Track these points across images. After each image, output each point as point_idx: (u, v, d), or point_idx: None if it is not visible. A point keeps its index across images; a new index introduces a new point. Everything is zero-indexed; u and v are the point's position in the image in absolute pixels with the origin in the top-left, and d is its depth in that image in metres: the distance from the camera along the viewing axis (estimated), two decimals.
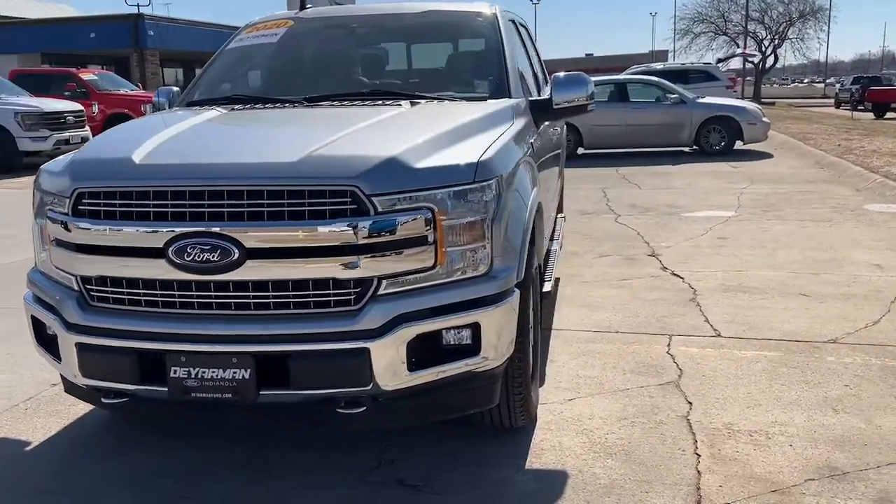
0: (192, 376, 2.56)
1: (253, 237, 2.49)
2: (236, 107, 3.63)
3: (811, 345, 4.19)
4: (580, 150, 14.60)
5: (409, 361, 2.56)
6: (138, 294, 2.64)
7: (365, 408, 2.62)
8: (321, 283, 2.53)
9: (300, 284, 2.53)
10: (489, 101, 3.59)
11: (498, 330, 2.70)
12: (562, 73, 3.91)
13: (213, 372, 2.55)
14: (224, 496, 2.83)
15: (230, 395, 2.56)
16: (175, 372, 2.58)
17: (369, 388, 2.55)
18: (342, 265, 2.50)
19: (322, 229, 2.48)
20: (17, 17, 33.88)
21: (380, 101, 3.53)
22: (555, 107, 3.81)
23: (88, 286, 2.72)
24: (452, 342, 2.68)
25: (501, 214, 2.75)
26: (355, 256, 2.50)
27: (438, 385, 2.71)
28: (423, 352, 2.61)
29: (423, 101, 3.57)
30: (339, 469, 2.98)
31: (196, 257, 2.49)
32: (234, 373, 2.54)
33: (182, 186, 2.54)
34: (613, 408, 3.46)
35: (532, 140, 3.61)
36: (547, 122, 3.97)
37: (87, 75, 18.83)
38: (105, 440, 3.31)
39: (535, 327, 3.36)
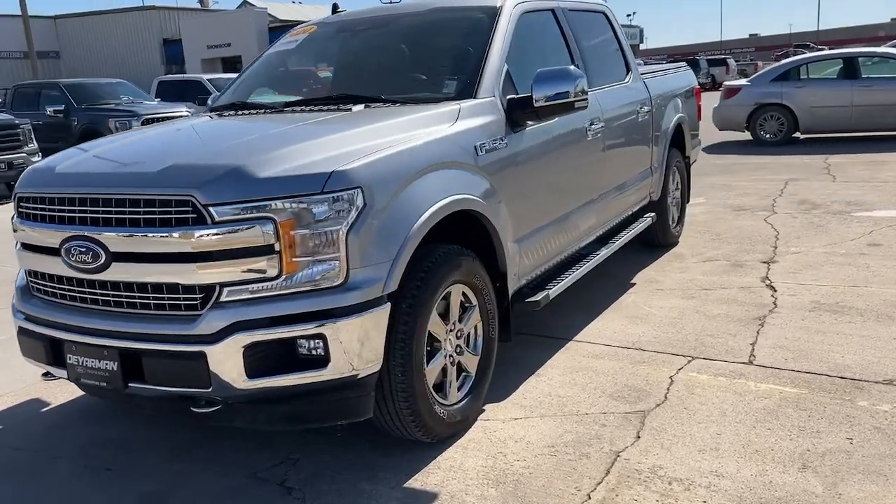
0: (80, 364, 2.87)
1: (115, 241, 2.72)
2: (215, 114, 3.91)
3: (854, 384, 3.48)
4: (797, 135, 13.04)
5: (247, 368, 2.63)
6: (50, 287, 3.01)
7: (218, 408, 2.75)
8: (170, 288, 2.69)
9: (153, 287, 2.72)
10: (440, 103, 3.47)
11: (352, 342, 2.66)
12: (546, 69, 3.63)
13: (92, 362, 2.83)
14: (134, 471, 3.12)
15: (105, 385, 2.83)
16: (70, 358, 2.90)
17: (209, 390, 2.67)
18: (185, 272, 2.64)
19: (165, 236, 2.63)
20: None
21: (334, 107, 3.59)
22: (535, 105, 3.56)
23: (30, 278, 3.15)
24: (303, 352, 2.70)
25: (367, 224, 2.69)
26: (195, 264, 2.62)
27: (291, 393, 2.74)
28: (266, 360, 2.66)
29: (376, 104, 3.57)
30: (243, 461, 3.14)
31: (77, 258, 2.79)
32: (106, 364, 2.80)
33: (71, 193, 2.84)
34: (552, 433, 3.20)
35: (494, 143, 3.41)
36: (532, 123, 3.70)
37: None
38: (83, 411, 3.78)
39: (443, 340, 3.20)
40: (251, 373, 2.64)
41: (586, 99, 3.71)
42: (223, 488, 2.95)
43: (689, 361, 3.87)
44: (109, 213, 2.74)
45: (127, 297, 2.78)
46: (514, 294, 3.76)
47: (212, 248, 2.60)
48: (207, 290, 2.65)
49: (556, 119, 3.90)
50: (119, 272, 2.74)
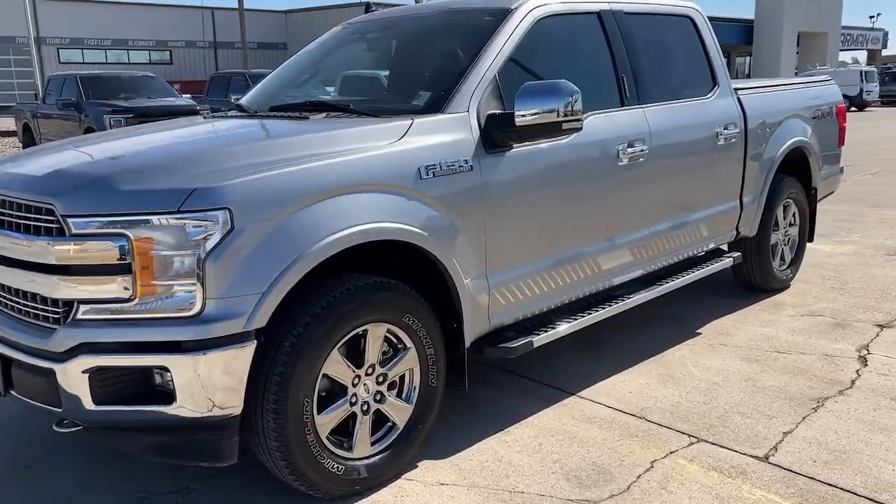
0: None
1: (1, 244, 2.65)
2: (218, 115, 3.81)
3: None
4: None
5: (92, 393, 2.45)
6: None
7: (78, 428, 2.60)
8: (39, 298, 2.57)
9: (27, 296, 2.61)
10: (393, 117, 3.08)
11: (201, 380, 2.40)
12: (533, 82, 3.11)
13: None
14: (49, 474, 3.08)
15: None
16: None
17: (61, 410, 2.52)
18: (47, 283, 2.50)
19: (30, 244, 2.51)
20: None
21: (296, 115, 3.34)
22: (517, 123, 3.06)
23: None
24: (156, 383, 2.48)
25: (233, 251, 2.41)
26: (55, 276, 2.48)
27: (147, 426, 2.53)
28: (114, 386, 2.47)
29: (336, 114, 3.26)
30: (146, 482, 2.98)
31: None
32: None
33: None
34: None
35: (450, 166, 2.96)
36: (518, 145, 3.18)
37: None
38: None
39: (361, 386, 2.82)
40: (96, 399, 2.46)
41: (580, 120, 3.13)
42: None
43: (692, 444, 3.17)
44: (2, 215, 2.68)
45: (9, 301, 2.71)
46: (490, 336, 3.29)
47: (69, 262, 2.45)
48: (68, 304, 2.50)
49: (564, 140, 3.35)
50: (2, 275, 2.68)
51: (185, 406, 2.42)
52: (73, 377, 2.44)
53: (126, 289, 2.41)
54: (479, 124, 3.12)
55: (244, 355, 2.45)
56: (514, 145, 3.20)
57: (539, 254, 3.40)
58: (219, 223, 2.41)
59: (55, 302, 2.52)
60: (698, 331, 4.57)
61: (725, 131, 4.46)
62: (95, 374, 2.44)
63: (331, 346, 2.66)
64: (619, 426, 3.35)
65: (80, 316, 2.47)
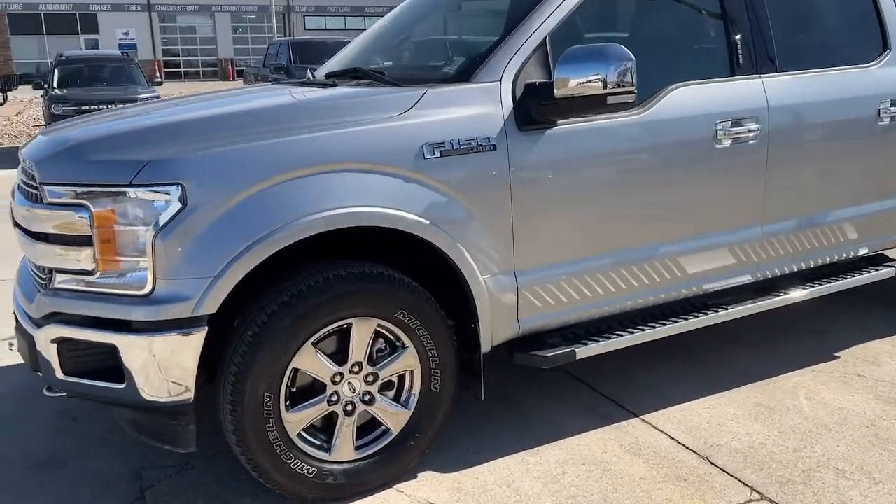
0: None
1: (15, 209, 2.71)
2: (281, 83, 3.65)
3: None
4: None
5: (61, 363, 2.44)
6: None
7: (63, 395, 2.61)
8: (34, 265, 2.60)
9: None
10: (411, 87, 2.72)
11: (146, 363, 2.30)
12: (579, 46, 2.60)
13: None
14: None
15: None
16: None
17: (41, 374, 2.55)
18: (32, 249, 2.52)
19: (27, 210, 2.52)
20: None
21: (332, 82, 3.12)
22: (556, 95, 2.59)
23: None
24: (112, 361, 2.40)
25: (184, 229, 2.25)
26: (36, 242, 2.48)
27: (109, 402, 2.49)
28: (79, 358, 2.44)
29: (366, 82, 2.98)
30: (103, 470, 2.88)
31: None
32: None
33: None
34: None
35: (465, 144, 2.56)
36: (564, 122, 2.67)
37: None
38: None
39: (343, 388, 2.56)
40: (64, 369, 2.44)
41: (631, 93, 2.56)
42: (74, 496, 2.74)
43: (750, 502, 2.55)
44: (21, 182, 2.74)
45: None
46: (526, 340, 2.88)
47: (45, 230, 2.43)
48: (50, 273, 2.49)
49: (634, 116, 2.80)
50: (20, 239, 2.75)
51: (138, 388, 2.33)
52: (45, 345, 2.44)
53: (88, 261, 2.34)
54: (514, 97, 2.68)
55: (192, 341, 2.30)
56: (559, 122, 2.71)
57: (592, 250, 2.90)
58: (171, 198, 2.25)
59: (41, 269, 2.53)
60: (837, 354, 3.73)
61: (893, 108, 3.53)
62: (62, 345, 2.41)
63: (301, 339, 2.43)
64: (669, 464, 2.79)
65: (56, 284, 2.45)
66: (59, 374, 2.45)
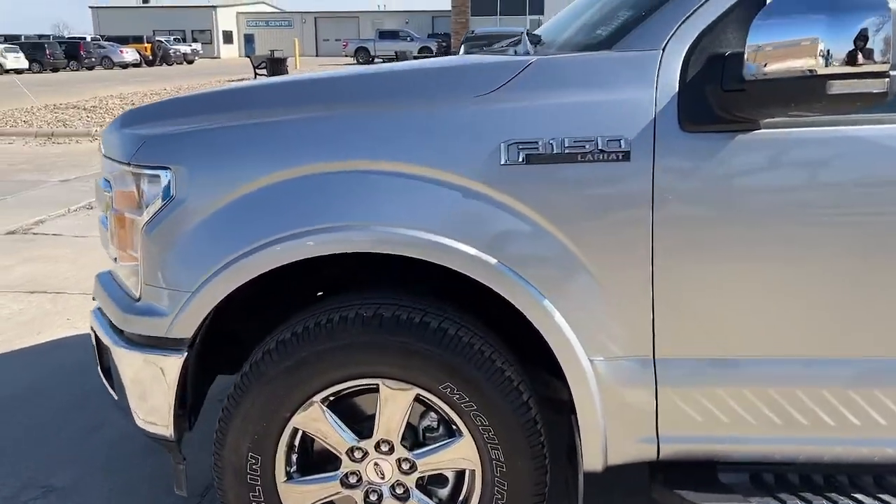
0: None
1: None
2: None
3: None
4: None
5: (96, 349, 2.17)
6: None
7: None
8: None
9: None
10: (523, 56, 1.81)
11: (129, 381, 1.91)
12: None
13: None
14: None
15: None
16: None
17: None
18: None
19: None
20: None
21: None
22: (748, 78, 1.48)
23: None
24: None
25: (171, 226, 1.78)
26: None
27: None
28: (101, 355, 2.13)
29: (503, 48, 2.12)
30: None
31: None
32: None
33: None
34: None
35: (576, 147, 1.60)
36: (770, 126, 1.51)
37: None
38: None
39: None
40: (98, 361, 2.17)
41: (885, 78, 1.31)
42: None
43: None
44: None
45: None
46: (670, 466, 1.83)
47: (108, 211, 2.15)
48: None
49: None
50: None
51: (130, 405, 1.94)
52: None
53: (114, 249, 2.01)
54: (685, 77, 1.60)
55: (166, 369, 1.82)
56: (762, 123, 1.56)
57: (812, 347, 1.68)
58: (161, 185, 1.78)
59: None
60: None
61: None
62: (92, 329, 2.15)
63: (304, 393, 1.79)
64: None
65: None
66: (98, 365, 2.20)
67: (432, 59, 2.37)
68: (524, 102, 1.65)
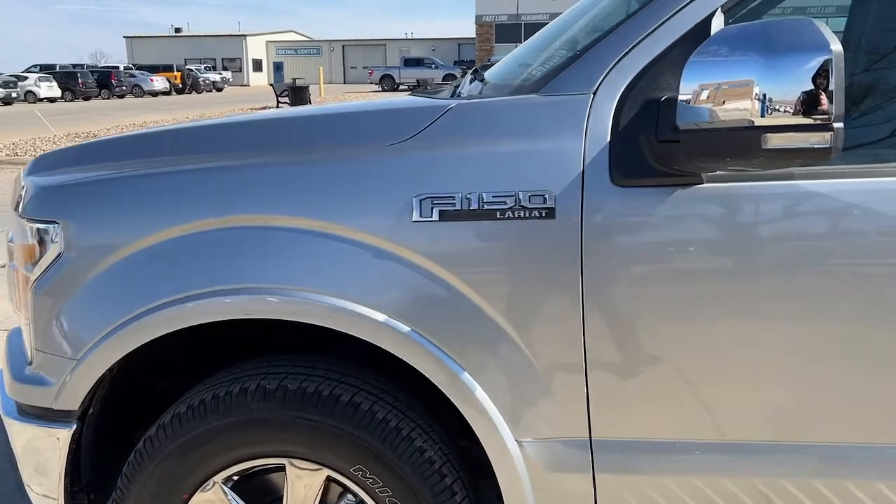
0: None
1: None
2: None
3: None
4: None
5: None
6: None
7: None
8: None
9: None
10: (448, 98, 1.66)
11: (21, 450, 1.74)
12: (734, 25, 1.24)
13: None
14: None
15: None
16: None
17: None
18: None
19: None
20: None
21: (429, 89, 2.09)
22: (681, 127, 1.29)
23: None
24: None
25: (61, 284, 1.62)
26: None
27: None
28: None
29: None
30: None
31: None
32: None
33: None
34: None
35: (508, 200, 1.41)
36: (712, 178, 1.31)
37: None
38: None
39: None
40: None
41: (827, 127, 1.10)
42: None
43: None
44: None
45: None
46: None
47: None
48: None
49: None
50: None
51: (20, 474, 1.78)
52: None
53: (13, 305, 1.86)
54: (619, 124, 1.41)
55: (55, 442, 1.65)
56: (705, 178, 1.37)
57: (762, 428, 1.46)
58: (49, 241, 1.63)
59: None
60: None
61: None
62: None
63: (204, 473, 1.61)
64: None
65: None
66: None
67: (362, 101, 2.20)
68: (440, 152, 1.47)
